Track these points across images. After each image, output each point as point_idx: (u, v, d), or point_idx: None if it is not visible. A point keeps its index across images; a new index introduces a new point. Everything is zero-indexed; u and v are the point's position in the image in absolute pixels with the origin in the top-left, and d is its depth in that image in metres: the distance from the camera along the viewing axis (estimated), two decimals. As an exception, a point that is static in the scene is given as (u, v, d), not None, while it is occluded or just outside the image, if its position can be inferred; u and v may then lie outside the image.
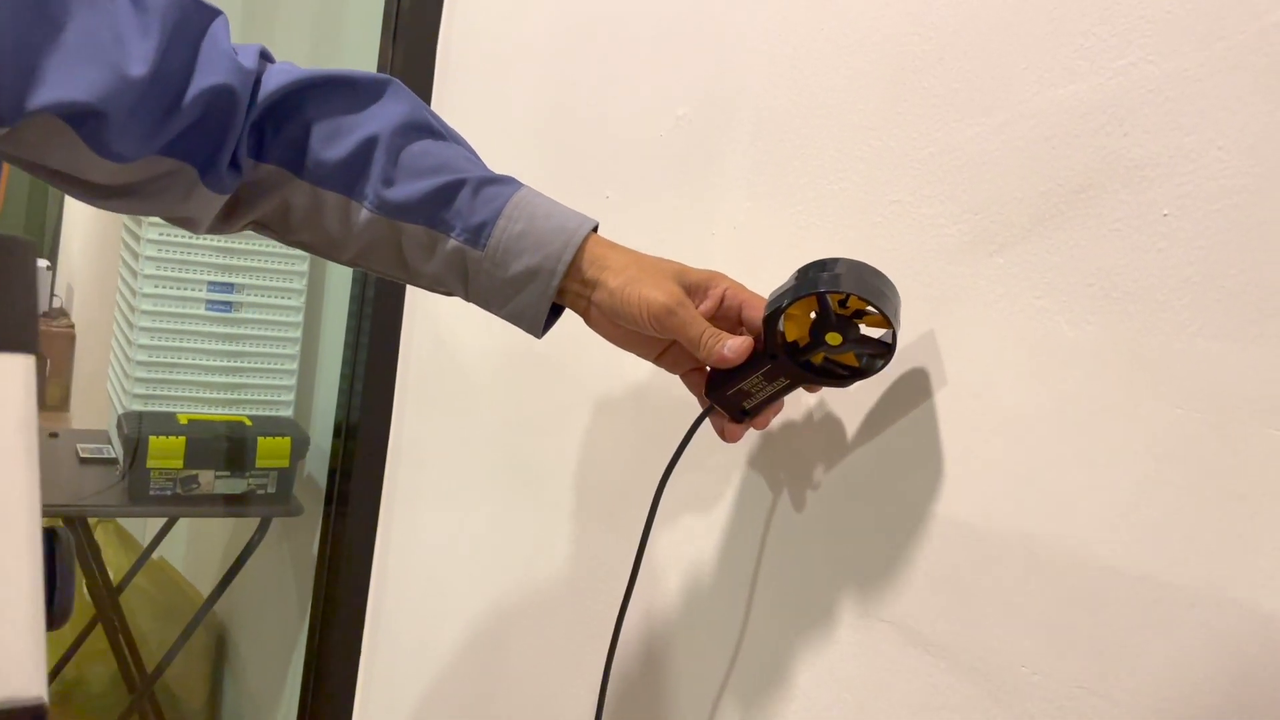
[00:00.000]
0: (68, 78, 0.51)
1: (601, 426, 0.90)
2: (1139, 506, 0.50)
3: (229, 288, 1.62)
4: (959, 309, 0.60)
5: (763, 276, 0.69)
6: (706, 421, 0.66)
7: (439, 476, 1.22)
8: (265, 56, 0.63)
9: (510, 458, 1.05)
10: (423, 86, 1.30)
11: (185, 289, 1.60)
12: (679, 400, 0.77)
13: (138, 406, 1.59)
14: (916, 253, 0.63)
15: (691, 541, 0.79)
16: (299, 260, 1.67)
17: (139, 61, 0.54)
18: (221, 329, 1.63)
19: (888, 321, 0.57)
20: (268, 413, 1.69)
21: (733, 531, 0.76)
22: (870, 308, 0.57)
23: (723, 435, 0.65)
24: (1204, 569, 0.48)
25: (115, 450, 1.70)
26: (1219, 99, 0.48)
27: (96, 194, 0.60)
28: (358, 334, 1.60)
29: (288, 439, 1.63)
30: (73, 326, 4.56)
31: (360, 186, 0.63)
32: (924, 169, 0.63)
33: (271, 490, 1.65)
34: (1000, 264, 0.58)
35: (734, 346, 0.60)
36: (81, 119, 0.53)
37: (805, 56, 0.71)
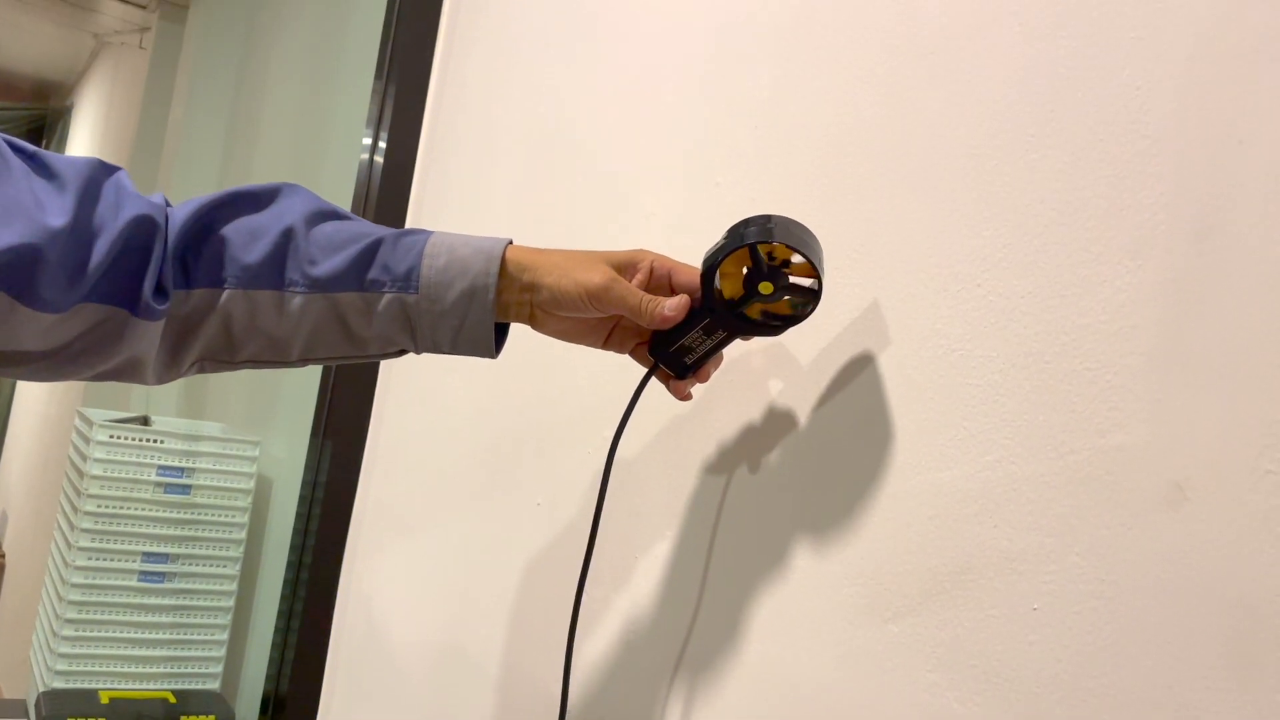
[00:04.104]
0: None
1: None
2: None
3: (164, 558, 1.61)
4: (858, 671, 0.63)
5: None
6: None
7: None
8: (166, 201, 0.68)
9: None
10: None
11: (119, 560, 1.59)
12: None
13: (59, 684, 1.54)
14: (817, 608, 0.66)
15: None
16: (236, 529, 1.67)
17: (58, 214, 0.59)
18: (153, 600, 1.60)
19: (814, 269, 0.63)
20: (194, 685, 1.64)
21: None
22: (797, 258, 0.63)
23: (674, 393, 0.71)
24: None
25: (30, 728, 1.63)
26: (1073, 507, 0.53)
27: (35, 365, 0.62)
28: (292, 601, 1.58)
29: (211, 718, 1.58)
30: (3, 556, 4.41)
31: (288, 276, 0.66)
32: (823, 526, 0.67)
33: (192, 772, 1.58)
34: (894, 632, 0.61)
35: (673, 305, 0.66)
36: (12, 275, 0.56)
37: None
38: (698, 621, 0.76)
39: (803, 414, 0.71)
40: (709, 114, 0.85)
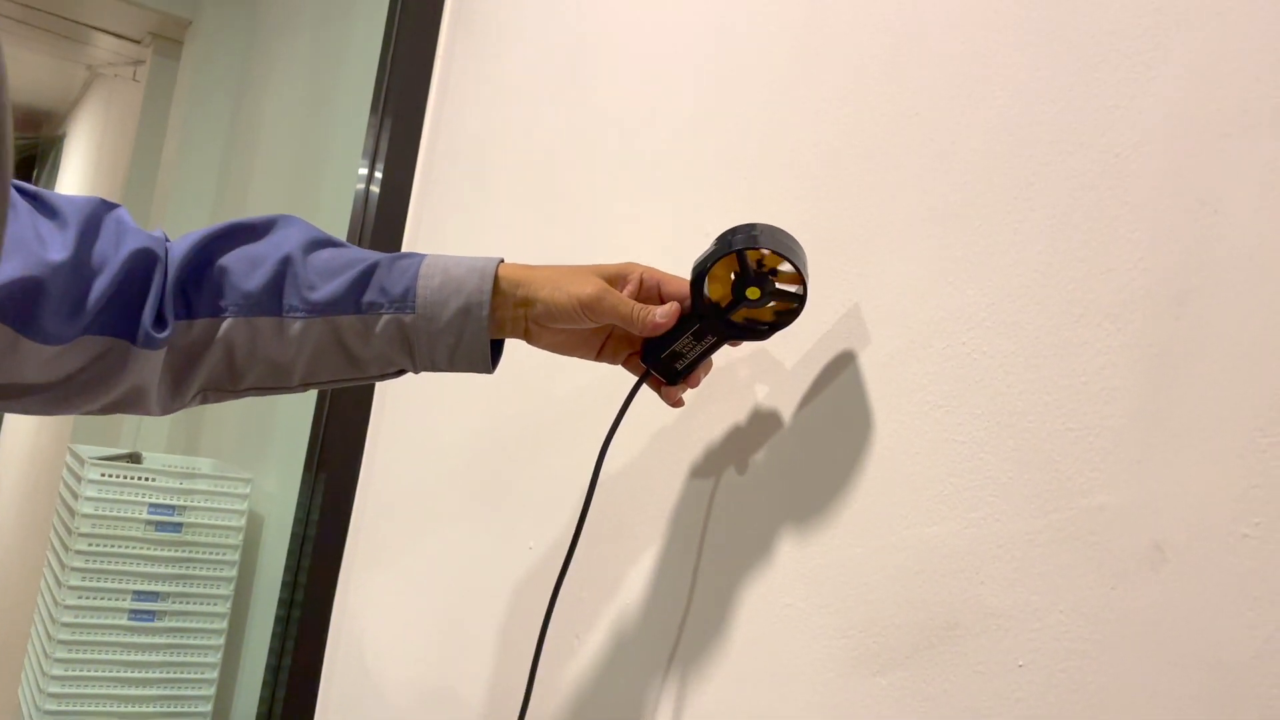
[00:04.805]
0: None
1: None
2: None
3: (154, 596, 1.61)
4: (850, 722, 0.64)
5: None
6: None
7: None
8: (165, 236, 0.69)
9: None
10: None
11: (110, 599, 1.58)
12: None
13: (47, 724, 1.53)
14: (810, 660, 0.67)
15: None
16: (227, 566, 1.67)
17: (59, 249, 0.60)
18: (143, 639, 1.60)
19: (799, 274, 0.65)
20: (183, 725, 1.64)
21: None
22: (785, 266, 0.65)
23: (666, 399, 0.73)
24: None
25: (17, 766, 1.62)
26: (1057, 565, 0.54)
27: (41, 396, 0.63)
28: (283, 639, 1.58)
29: (201, 759, 1.57)
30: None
31: (287, 301, 0.68)
32: (815, 578, 0.68)
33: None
34: (883, 685, 0.62)
35: (664, 311, 0.68)
36: (14, 308, 0.57)
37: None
38: (680, 680, 0.77)
39: (790, 467, 0.72)
40: (698, 151, 0.86)
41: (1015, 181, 0.60)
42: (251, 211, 2.40)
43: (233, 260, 0.69)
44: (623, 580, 0.85)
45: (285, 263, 0.69)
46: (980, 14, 0.64)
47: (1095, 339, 0.54)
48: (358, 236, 1.47)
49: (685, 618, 0.78)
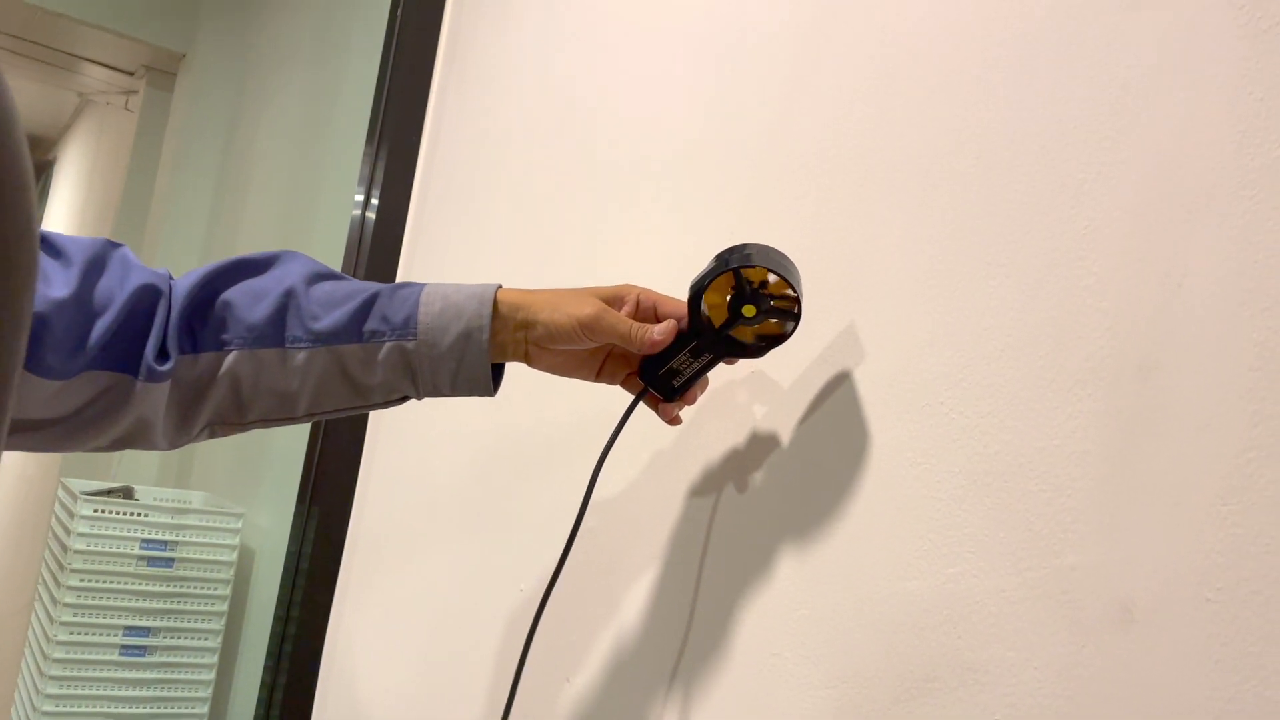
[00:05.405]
0: None
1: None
2: None
3: (145, 631, 1.62)
4: (834, 771, 0.65)
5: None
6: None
7: None
8: (169, 274, 0.71)
9: None
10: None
11: (101, 634, 1.59)
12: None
13: (38, 761, 1.54)
14: (799, 713, 0.69)
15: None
16: (219, 601, 1.68)
17: (61, 286, 0.62)
18: (134, 674, 1.60)
19: (794, 293, 0.67)
20: (174, 760, 1.64)
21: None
22: (786, 289, 0.68)
23: (662, 416, 0.75)
24: None
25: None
26: (1031, 622, 0.56)
27: (48, 432, 0.65)
28: (275, 674, 1.59)
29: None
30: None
31: (290, 333, 0.70)
32: (799, 628, 0.70)
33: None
34: (866, 736, 0.64)
35: (662, 329, 0.71)
36: None
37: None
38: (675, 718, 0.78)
39: (776, 518, 0.74)
40: (692, 178, 0.89)
41: (990, 245, 0.62)
42: (244, 240, 2.42)
43: (236, 294, 0.71)
44: (613, 621, 0.87)
45: (288, 295, 0.70)
46: (957, 77, 0.67)
47: (1066, 403, 0.57)
48: (354, 260, 1.49)
49: (677, 666, 0.80)
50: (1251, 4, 0.52)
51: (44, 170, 5.52)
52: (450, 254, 1.31)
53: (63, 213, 4.65)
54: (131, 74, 3.13)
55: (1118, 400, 0.54)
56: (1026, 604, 0.56)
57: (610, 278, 0.97)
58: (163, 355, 0.67)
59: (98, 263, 0.66)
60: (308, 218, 2.03)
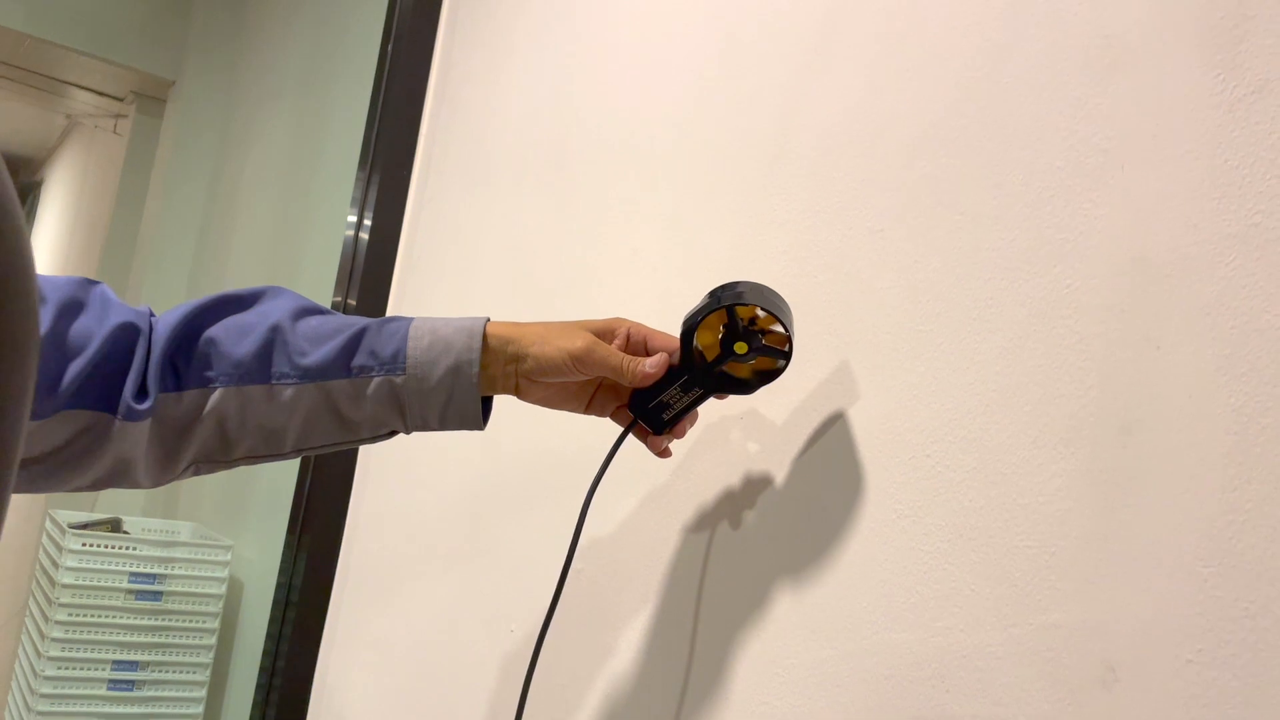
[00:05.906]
0: None
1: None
2: None
3: (133, 665, 1.61)
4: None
5: None
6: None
7: None
8: (151, 311, 0.70)
9: None
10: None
11: (89, 669, 1.58)
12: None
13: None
14: (785, 758, 0.69)
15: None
16: (207, 634, 1.67)
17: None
18: (121, 709, 1.59)
19: (786, 331, 0.68)
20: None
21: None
22: (774, 324, 0.69)
23: (652, 448, 0.75)
24: None
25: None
26: (1017, 678, 0.57)
27: (23, 473, 0.63)
28: (264, 709, 1.58)
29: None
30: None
31: (276, 369, 0.69)
32: (789, 676, 0.70)
33: None
34: (855, 787, 0.64)
35: (653, 362, 0.71)
36: None
37: (684, 551, 0.80)
38: (668, 761, 0.79)
39: (766, 566, 0.74)
40: (685, 207, 0.90)
41: (975, 302, 0.63)
42: (234, 264, 2.42)
43: (220, 331, 0.70)
44: (607, 667, 0.87)
45: (274, 330, 0.70)
46: (938, 136, 0.68)
47: (1050, 461, 0.57)
48: (346, 282, 1.48)
49: (678, 715, 0.80)
50: (1227, 72, 0.54)
51: (30, 192, 5.51)
52: (444, 278, 1.32)
53: (51, 235, 4.63)
54: (121, 99, 3.14)
55: (1100, 460, 0.55)
56: (1011, 660, 0.57)
57: (601, 302, 0.98)
58: (142, 394, 0.67)
59: (74, 303, 0.65)
60: (298, 242, 2.03)
